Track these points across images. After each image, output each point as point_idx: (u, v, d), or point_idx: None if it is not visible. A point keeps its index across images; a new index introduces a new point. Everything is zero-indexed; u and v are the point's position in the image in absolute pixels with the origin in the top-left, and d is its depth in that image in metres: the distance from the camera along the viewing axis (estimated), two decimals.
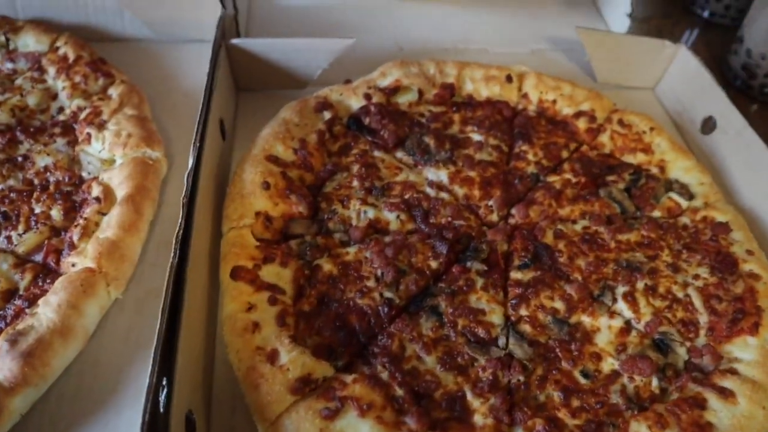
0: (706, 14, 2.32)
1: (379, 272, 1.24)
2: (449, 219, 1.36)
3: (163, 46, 1.75)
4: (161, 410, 0.95)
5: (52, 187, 1.35)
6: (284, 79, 1.65)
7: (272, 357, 1.09)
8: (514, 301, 1.25)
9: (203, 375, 1.13)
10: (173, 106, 1.57)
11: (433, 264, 1.28)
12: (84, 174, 1.39)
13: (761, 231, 1.44)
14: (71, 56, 1.57)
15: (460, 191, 1.42)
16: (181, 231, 1.13)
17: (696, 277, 1.31)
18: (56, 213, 1.31)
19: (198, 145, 1.27)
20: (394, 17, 1.97)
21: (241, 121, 1.61)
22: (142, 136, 1.40)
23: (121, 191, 1.31)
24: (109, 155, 1.40)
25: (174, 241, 1.11)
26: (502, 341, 1.20)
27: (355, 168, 1.42)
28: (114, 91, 1.51)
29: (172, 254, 1.09)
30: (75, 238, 1.24)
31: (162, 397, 0.97)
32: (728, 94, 1.69)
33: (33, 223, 1.29)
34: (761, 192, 1.48)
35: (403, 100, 1.57)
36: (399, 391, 1.09)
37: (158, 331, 1.00)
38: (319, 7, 1.99)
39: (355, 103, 1.54)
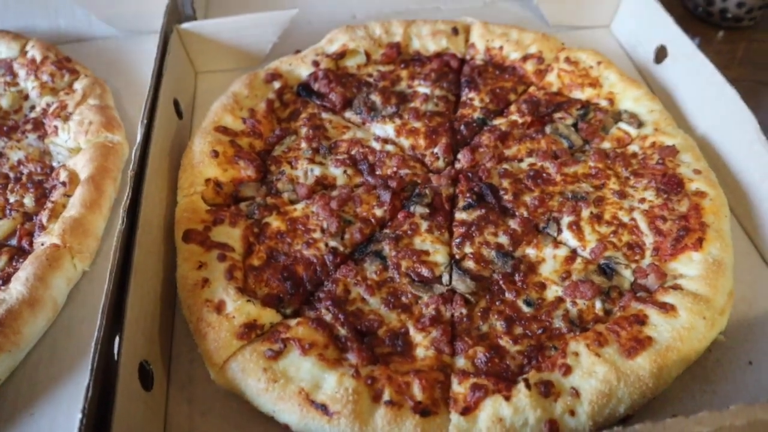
0: None
1: (324, 224, 1.29)
2: (395, 169, 1.39)
3: (126, 41, 1.83)
4: (115, 360, 1.02)
5: (24, 178, 1.44)
6: (239, 57, 1.71)
7: (219, 307, 1.14)
8: (458, 240, 1.28)
9: (161, 330, 1.19)
10: (136, 94, 1.63)
11: (378, 212, 1.31)
12: (54, 164, 1.47)
13: (714, 155, 1.43)
14: (38, 57, 1.66)
15: (405, 142, 1.45)
16: (128, 200, 1.19)
17: (642, 200, 1.31)
18: (29, 200, 1.39)
19: (146, 122, 1.34)
20: None
21: (201, 101, 1.67)
22: (102, 122, 1.47)
23: (84, 174, 1.38)
24: (74, 144, 1.48)
25: (122, 210, 1.18)
26: (445, 278, 1.23)
27: (304, 131, 1.46)
28: (79, 85, 1.60)
29: (119, 222, 1.16)
30: (44, 220, 1.32)
31: (115, 349, 1.03)
32: (689, 24, 1.68)
33: (8, 211, 1.38)
34: (713, 116, 1.46)
35: (352, 63, 1.61)
36: (342, 331, 1.13)
37: (106, 290, 1.06)
38: None
39: (305, 71, 1.59)
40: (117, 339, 1.04)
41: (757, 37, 1.89)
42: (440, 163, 1.43)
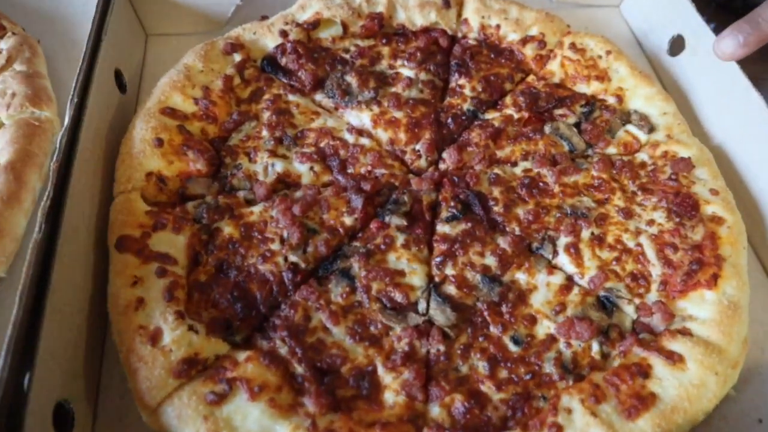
0: None
1: (284, 233, 1.10)
2: (369, 168, 1.21)
3: None
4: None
5: None
6: (197, 20, 1.48)
7: (154, 337, 0.96)
8: (438, 259, 1.11)
9: (86, 358, 1.02)
10: (77, 59, 1.40)
11: (348, 220, 1.13)
12: None
13: (731, 169, 1.26)
14: None
15: (383, 135, 1.26)
16: (49, 200, 0.99)
17: (650, 222, 1.14)
18: None
19: (77, 100, 1.12)
20: None
21: (151, 70, 1.45)
22: (27, 94, 1.25)
23: (2, 158, 1.17)
24: None
25: (40, 214, 0.97)
26: (422, 306, 1.06)
27: (266, 115, 1.26)
28: (4, 45, 1.36)
29: (36, 229, 0.96)
30: None
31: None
32: (708, 10, 1.49)
33: None
34: (732, 123, 1.29)
35: (326, 35, 1.40)
36: (299, 368, 0.97)
37: (14, 318, 0.87)
38: None
39: (271, 42, 1.37)
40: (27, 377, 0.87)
41: None
42: (422, 163, 1.24)
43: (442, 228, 1.14)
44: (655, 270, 1.09)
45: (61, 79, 1.37)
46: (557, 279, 1.09)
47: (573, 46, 1.37)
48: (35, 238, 0.95)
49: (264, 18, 1.41)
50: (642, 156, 1.24)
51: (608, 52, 1.36)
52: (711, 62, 1.32)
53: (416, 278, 1.08)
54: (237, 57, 1.33)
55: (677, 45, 1.43)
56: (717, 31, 1.63)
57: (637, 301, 1.07)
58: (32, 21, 1.48)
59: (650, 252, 1.11)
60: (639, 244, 1.12)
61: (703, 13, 1.64)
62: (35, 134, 1.21)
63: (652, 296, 1.07)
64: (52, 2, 1.55)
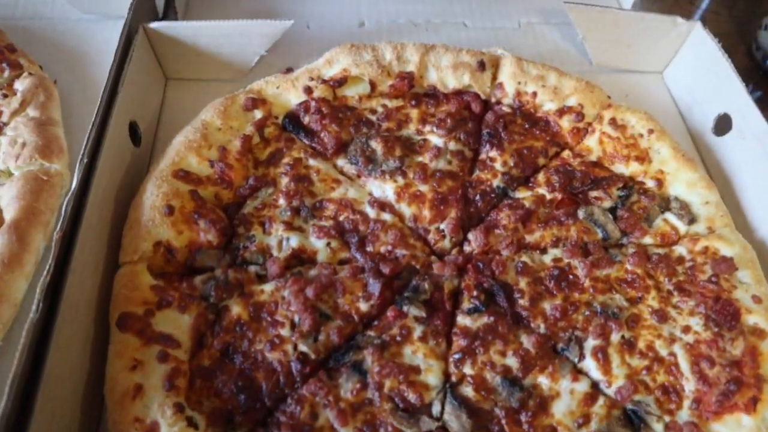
0: None
1: (296, 318, 1.04)
2: (390, 248, 1.14)
3: (91, 25, 1.52)
4: None
5: None
6: (220, 67, 1.42)
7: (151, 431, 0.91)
8: (457, 356, 1.04)
9: None
10: (94, 97, 1.34)
11: (363, 306, 1.07)
12: None
13: None
14: None
15: (407, 211, 1.19)
16: (48, 276, 0.94)
17: (686, 329, 1.07)
18: None
19: (86, 161, 1.07)
20: None
21: (168, 116, 1.39)
22: (37, 145, 1.20)
23: (7, 215, 1.12)
24: (4, 166, 1.20)
25: (39, 290, 0.92)
26: (436, 408, 1.00)
27: (284, 181, 1.20)
28: (20, 86, 1.31)
29: (33, 308, 0.91)
30: None
31: None
32: (755, 78, 1.41)
33: None
34: None
35: (352, 92, 1.33)
36: None
37: (1, 412, 0.82)
38: None
39: (295, 98, 1.30)
40: None
41: None
42: (446, 243, 1.17)
43: (463, 320, 1.08)
44: (689, 385, 1.02)
45: (76, 120, 1.32)
46: (582, 386, 1.02)
47: (613, 121, 1.29)
48: (31, 318, 0.90)
49: (289, 70, 1.34)
50: (680, 250, 1.16)
51: (650, 131, 1.28)
52: (759, 148, 1.24)
53: (432, 376, 1.01)
54: (258, 113, 1.26)
55: (723, 123, 1.34)
56: (763, 100, 1.55)
57: (667, 418, 1.00)
58: (51, 57, 1.44)
59: (684, 364, 1.03)
60: (672, 354, 1.05)
61: (749, 81, 1.57)
62: (43, 189, 1.16)
63: (684, 414, 1.00)
64: (73, 38, 1.50)
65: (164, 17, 1.53)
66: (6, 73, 1.33)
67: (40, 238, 1.13)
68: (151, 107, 1.36)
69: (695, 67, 1.44)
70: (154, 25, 1.33)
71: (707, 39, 1.38)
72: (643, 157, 1.26)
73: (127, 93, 1.22)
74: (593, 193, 1.23)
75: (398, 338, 1.05)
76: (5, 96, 1.29)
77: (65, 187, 1.21)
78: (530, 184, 1.24)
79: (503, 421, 0.98)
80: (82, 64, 1.46)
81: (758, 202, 1.25)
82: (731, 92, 1.31)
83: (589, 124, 1.32)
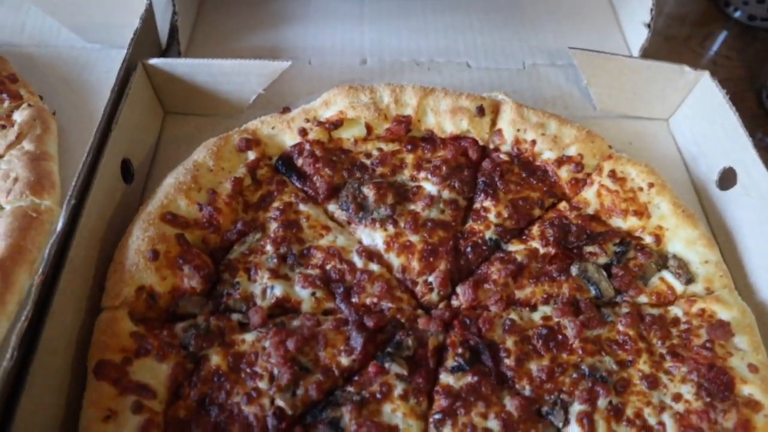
0: (742, 16, 1.88)
1: (275, 370, 1.02)
2: (375, 300, 1.12)
3: (94, 54, 1.54)
4: None
5: None
6: (218, 103, 1.41)
7: None
8: (437, 416, 1.01)
9: None
10: (92, 128, 1.34)
11: (345, 361, 1.05)
12: None
13: None
14: None
15: (395, 261, 1.17)
16: (26, 322, 0.93)
17: (677, 397, 1.03)
18: None
19: (74, 203, 1.07)
20: (365, 23, 1.67)
21: (164, 152, 1.38)
22: (29, 181, 1.20)
23: None
24: None
25: (15, 337, 0.92)
26: None
27: (273, 227, 1.18)
28: (19, 117, 1.31)
29: (8, 356, 0.90)
30: None
31: None
32: (765, 125, 1.37)
33: None
34: None
35: (348, 135, 1.31)
36: None
37: None
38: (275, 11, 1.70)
39: (290, 139, 1.29)
40: None
41: None
42: (434, 297, 1.15)
43: (446, 378, 1.05)
44: None
45: (73, 153, 1.32)
46: None
47: (613, 173, 1.26)
48: (5, 367, 0.89)
49: (286, 110, 1.33)
50: (676, 311, 1.13)
51: (651, 185, 1.24)
52: (763, 207, 1.20)
53: None
54: (251, 155, 1.25)
55: (728, 177, 1.30)
56: None
57: None
58: (53, 86, 1.46)
59: None
60: (661, 423, 1.01)
61: (759, 128, 1.53)
62: (31, 227, 1.15)
63: None
64: (76, 67, 1.51)
65: (167, 50, 1.53)
66: (5, 104, 1.34)
67: (24, 277, 1.12)
68: (146, 143, 1.35)
69: (702, 117, 1.40)
70: (153, 61, 1.33)
71: (715, 89, 1.35)
72: (642, 212, 1.22)
73: (122, 131, 1.22)
74: (588, 248, 1.20)
75: (378, 395, 1.02)
76: (3, 127, 1.30)
77: (55, 223, 1.20)
78: (524, 237, 1.21)
79: None
80: (84, 93, 1.46)
81: (760, 263, 1.20)
82: (737, 145, 1.27)
83: (588, 175, 1.28)
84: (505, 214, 1.22)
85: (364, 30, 1.63)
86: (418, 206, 1.22)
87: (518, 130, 1.31)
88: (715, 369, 1.04)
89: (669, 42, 1.81)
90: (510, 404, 1.02)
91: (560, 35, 1.64)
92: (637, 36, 1.56)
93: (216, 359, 1.03)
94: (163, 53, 1.52)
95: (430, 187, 1.25)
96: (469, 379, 1.05)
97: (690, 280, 1.16)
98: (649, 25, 1.50)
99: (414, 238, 1.18)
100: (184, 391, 1.01)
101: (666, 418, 1.01)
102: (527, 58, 1.59)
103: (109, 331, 1.03)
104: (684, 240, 1.19)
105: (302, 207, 1.21)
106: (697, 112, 1.42)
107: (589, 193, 1.27)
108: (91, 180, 1.12)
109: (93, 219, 1.11)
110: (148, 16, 1.37)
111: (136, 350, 1.02)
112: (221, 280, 1.13)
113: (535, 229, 1.22)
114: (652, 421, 1.01)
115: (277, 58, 1.37)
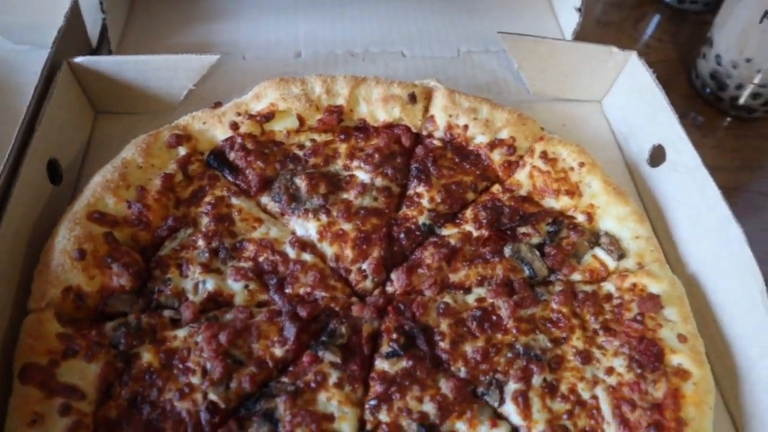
0: (673, 0, 1.92)
1: (208, 365, 1.01)
2: (309, 290, 1.11)
3: (21, 56, 1.50)
4: None
5: None
6: (149, 101, 1.39)
7: None
8: (373, 402, 1.01)
9: None
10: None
11: (278, 352, 1.04)
12: None
13: (704, 305, 1.16)
14: None
15: (329, 250, 1.17)
16: None
17: (609, 371, 1.04)
18: None
19: None
20: (299, 15, 1.66)
21: (95, 152, 1.35)
22: None
23: None
24: None
25: None
26: None
27: (204, 221, 1.17)
28: None
29: None
30: None
31: None
32: (696, 105, 1.39)
33: None
34: (709, 254, 1.18)
35: (280, 127, 1.30)
36: None
37: None
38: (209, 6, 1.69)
39: (221, 133, 1.28)
40: None
41: None
42: (368, 284, 1.14)
43: (381, 365, 1.05)
44: (610, 429, 0.99)
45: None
46: None
47: (544, 154, 1.27)
48: None
49: (217, 105, 1.32)
50: (608, 287, 1.14)
51: (581, 164, 1.26)
52: (690, 181, 1.22)
53: (345, 425, 0.98)
54: (182, 150, 1.24)
55: (658, 155, 1.32)
56: (705, 126, 1.54)
57: None
58: None
59: (606, 407, 1.01)
60: (594, 397, 1.02)
61: (691, 108, 1.55)
62: None
63: None
64: (2, 70, 1.47)
65: (98, 49, 1.50)
66: None
67: None
68: (76, 143, 1.33)
69: (631, 97, 1.42)
70: (78, 60, 1.30)
71: (642, 69, 1.37)
72: (573, 191, 1.24)
73: (47, 131, 1.19)
74: (522, 229, 1.20)
75: (313, 384, 1.02)
76: None
77: None
78: (457, 221, 1.22)
79: None
80: (12, 96, 1.43)
81: (690, 236, 1.22)
82: (665, 124, 1.29)
83: (521, 157, 1.29)
84: (438, 199, 1.23)
85: (299, 22, 1.62)
86: (350, 195, 1.22)
87: (450, 116, 1.32)
88: (646, 341, 1.06)
89: (604, 27, 1.84)
90: (445, 386, 1.02)
91: (495, 22, 1.65)
92: (571, 21, 1.58)
93: (147, 356, 1.02)
94: (94, 52, 1.49)
95: (362, 176, 1.25)
96: (404, 363, 1.04)
97: (622, 255, 1.18)
98: (580, 9, 1.51)
99: (347, 227, 1.18)
100: (115, 390, 0.99)
101: (599, 391, 1.02)
102: (462, 46, 1.60)
103: (35, 333, 1.00)
104: (615, 217, 1.21)
105: (234, 200, 1.20)
106: (627, 93, 1.44)
107: (521, 175, 1.28)
108: (13, 181, 1.09)
109: (17, 221, 1.09)
110: (73, 15, 1.35)
111: (63, 352, 1.00)
112: (152, 277, 1.11)
113: (469, 213, 1.22)
114: (585, 395, 1.02)
115: (210, 54, 1.36)
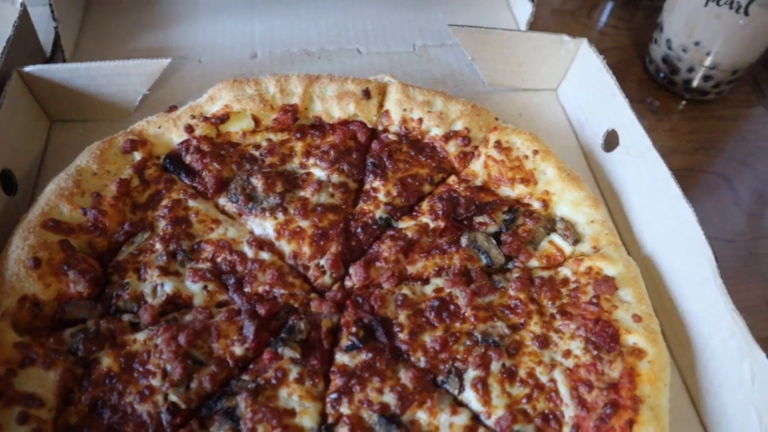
0: None
1: (168, 367, 1.01)
2: (267, 288, 1.12)
3: None
4: None
5: None
6: (104, 108, 1.39)
7: None
8: (333, 396, 1.02)
9: None
10: None
11: (238, 350, 1.05)
12: None
13: (660, 284, 1.18)
14: None
15: (287, 248, 1.17)
16: None
17: (567, 354, 1.06)
18: None
19: None
20: (255, 16, 1.66)
21: (51, 161, 1.35)
22: None
23: None
24: None
25: None
26: None
27: (161, 225, 1.17)
28: None
29: None
30: None
31: None
32: (651, 90, 1.40)
33: None
34: (663, 235, 1.20)
35: (236, 128, 1.30)
36: None
37: None
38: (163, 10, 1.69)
39: (177, 137, 1.28)
40: None
41: (723, 114, 1.61)
42: (326, 279, 1.15)
43: (341, 358, 1.05)
44: (568, 411, 1.00)
45: None
46: (462, 419, 1.00)
47: (498, 144, 1.28)
48: None
49: (172, 108, 1.32)
50: (565, 271, 1.16)
51: (535, 152, 1.27)
52: (642, 164, 1.24)
53: (307, 419, 0.99)
54: (137, 155, 1.24)
55: (611, 139, 1.34)
56: (660, 111, 1.56)
57: None
58: None
59: (564, 389, 1.02)
60: (552, 380, 1.03)
61: (647, 93, 1.57)
62: None
63: None
64: None
65: (52, 58, 1.50)
66: None
67: None
68: (31, 152, 1.32)
69: (584, 84, 1.44)
70: (28, 69, 1.30)
71: (593, 56, 1.39)
72: (528, 179, 1.25)
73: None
74: (478, 219, 1.22)
75: (273, 381, 1.02)
76: None
77: None
78: (414, 213, 1.23)
79: None
80: None
81: (643, 218, 1.24)
82: (617, 108, 1.31)
83: (476, 147, 1.31)
84: (394, 193, 1.24)
85: (255, 23, 1.62)
86: (307, 192, 1.23)
87: (405, 110, 1.33)
88: (601, 322, 1.07)
89: (557, 15, 1.86)
90: (405, 377, 1.03)
91: (449, 15, 1.67)
92: (524, 11, 1.59)
93: (107, 361, 1.02)
94: (49, 61, 1.48)
95: (319, 173, 1.26)
96: (363, 356, 1.05)
97: (577, 240, 1.19)
98: (533, 0, 1.53)
99: (304, 224, 1.18)
100: (75, 396, 0.99)
101: (557, 374, 1.04)
102: (417, 40, 1.61)
103: None
104: (570, 202, 1.22)
105: (191, 203, 1.20)
106: (580, 80, 1.46)
107: (476, 165, 1.29)
108: None
109: None
110: (23, 24, 1.34)
111: (20, 361, 1.00)
112: (110, 283, 1.11)
113: (425, 205, 1.23)
114: (543, 379, 1.04)
115: (165, 58, 1.37)
